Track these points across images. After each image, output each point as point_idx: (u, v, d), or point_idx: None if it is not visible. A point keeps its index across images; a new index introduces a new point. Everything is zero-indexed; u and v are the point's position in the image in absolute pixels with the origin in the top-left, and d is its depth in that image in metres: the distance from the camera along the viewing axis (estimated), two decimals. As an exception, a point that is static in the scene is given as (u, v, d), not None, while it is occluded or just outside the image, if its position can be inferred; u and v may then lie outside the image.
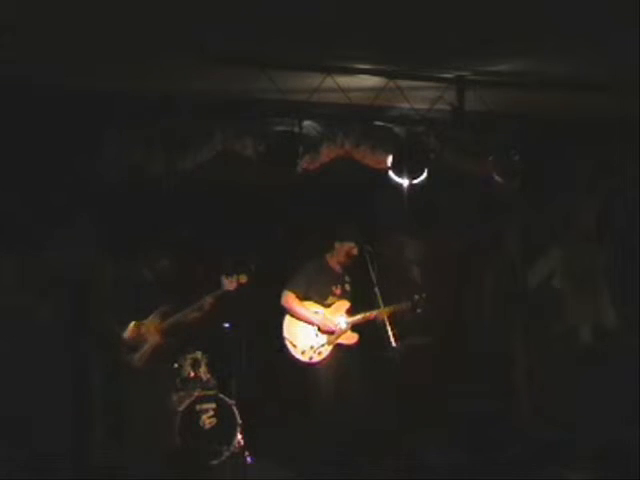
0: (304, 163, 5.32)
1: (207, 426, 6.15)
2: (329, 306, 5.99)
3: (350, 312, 6.01)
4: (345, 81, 4.93)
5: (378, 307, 5.72)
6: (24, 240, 5.24)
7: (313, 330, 5.91)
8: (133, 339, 5.59)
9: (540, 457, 5.75)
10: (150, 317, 5.71)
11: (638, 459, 5.34)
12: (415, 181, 5.41)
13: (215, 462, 6.03)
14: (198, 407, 6.14)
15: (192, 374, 6.35)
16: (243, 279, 5.84)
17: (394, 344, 5.52)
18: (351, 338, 6.00)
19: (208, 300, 5.77)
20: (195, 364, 6.40)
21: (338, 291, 6.04)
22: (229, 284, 5.81)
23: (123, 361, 5.60)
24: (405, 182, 5.41)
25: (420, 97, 5.29)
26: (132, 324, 5.62)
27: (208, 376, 6.43)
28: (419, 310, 6.01)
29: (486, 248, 6.86)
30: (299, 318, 5.92)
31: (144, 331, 5.64)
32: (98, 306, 5.57)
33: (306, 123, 5.37)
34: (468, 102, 5.19)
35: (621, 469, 5.38)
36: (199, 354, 6.43)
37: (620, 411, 5.98)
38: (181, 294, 5.89)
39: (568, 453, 5.77)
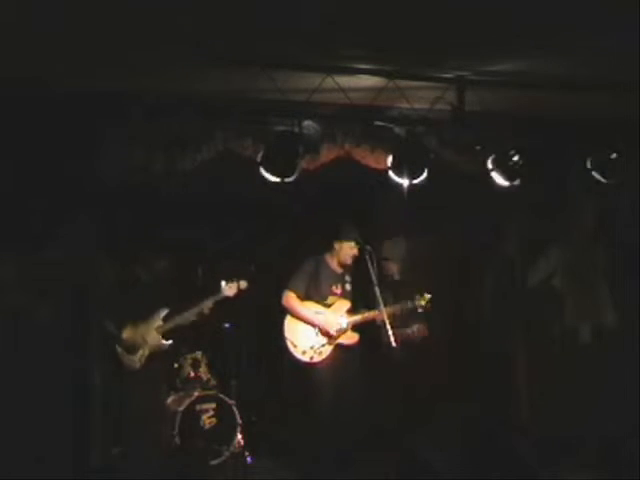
0: (304, 163, 5.31)
1: (207, 426, 6.16)
2: (330, 306, 5.99)
3: (351, 312, 6.01)
4: (345, 81, 4.93)
5: (378, 307, 5.72)
6: (24, 240, 5.24)
7: (314, 330, 5.91)
8: (133, 340, 5.59)
9: (540, 457, 5.75)
10: (150, 319, 5.70)
11: (638, 459, 5.34)
12: (415, 181, 5.41)
13: (215, 462, 6.04)
14: (198, 407, 6.15)
15: (192, 374, 6.36)
16: (243, 285, 5.82)
17: (394, 344, 5.52)
18: (351, 338, 6.00)
19: (207, 305, 5.76)
20: (195, 364, 6.41)
21: (338, 291, 6.05)
22: (229, 290, 5.80)
23: (122, 362, 5.60)
24: (405, 182, 5.40)
25: (420, 97, 5.29)
26: (131, 326, 5.61)
27: (208, 376, 6.44)
28: (420, 310, 6.02)
29: (486, 248, 6.86)
30: (300, 318, 5.92)
31: (144, 333, 5.63)
32: (98, 307, 5.57)
33: (306, 123, 5.36)
34: (468, 102, 5.19)
35: (621, 469, 5.38)
36: (199, 354, 6.44)
37: (620, 411, 5.98)
38: (181, 296, 5.88)
39: (568, 453, 5.77)
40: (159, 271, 5.82)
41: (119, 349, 5.56)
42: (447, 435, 6.10)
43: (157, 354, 5.70)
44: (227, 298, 5.81)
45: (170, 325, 5.74)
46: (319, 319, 5.91)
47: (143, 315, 5.68)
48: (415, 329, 6.24)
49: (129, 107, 4.97)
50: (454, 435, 6.12)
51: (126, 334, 5.56)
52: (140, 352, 5.60)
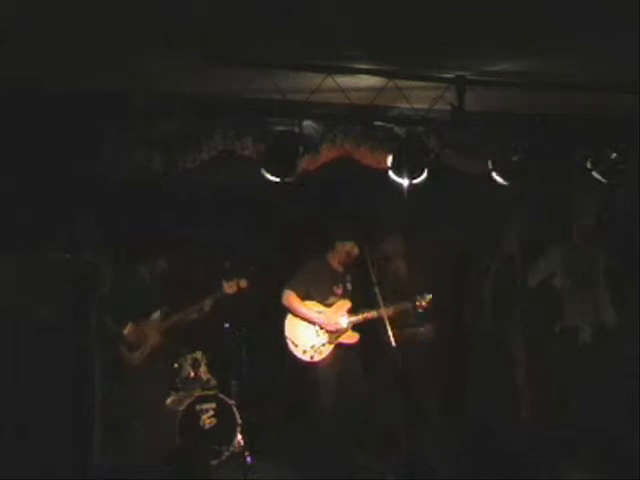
0: (304, 163, 5.32)
1: (207, 426, 6.15)
2: (330, 305, 5.99)
3: (351, 311, 6.01)
4: (345, 81, 4.93)
5: (378, 307, 5.72)
6: (24, 240, 5.24)
7: (314, 329, 5.91)
8: (133, 338, 5.58)
9: (541, 457, 5.75)
10: (151, 317, 5.70)
11: (638, 459, 5.34)
12: (415, 181, 5.41)
13: (215, 462, 6.04)
14: (198, 407, 6.15)
15: (192, 374, 6.36)
16: (243, 284, 5.82)
17: (394, 344, 5.52)
18: (351, 337, 6.00)
19: (207, 302, 5.76)
20: (195, 364, 6.41)
21: (339, 291, 6.05)
22: (229, 288, 5.80)
23: (123, 359, 5.58)
24: (405, 182, 5.40)
25: (420, 97, 5.29)
26: (132, 324, 5.61)
27: (208, 376, 6.44)
28: (420, 310, 6.01)
29: (486, 248, 6.86)
30: (300, 317, 5.91)
31: (144, 331, 5.63)
32: (99, 305, 5.56)
33: (306, 123, 5.37)
34: (468, 102, 5.19)
35: (621, 469, 5.38)
36: (199, 354, 6.43)
37: (620, 411, 5.98)
38: (181, 295, 5.88)
39: (568, 453, 5.77)
40: (160, 270, 5.81)
41: (120, 347, 5.54)
42: (447, 435, 6.11)
43: (158, 352, 5.69)
44: (227, 296, 5.80)
45: (170, 322, 5.73)
46: (319, 317, 5.91)
47: (144, 313, 5.67)
48: (425, 329, 6.23)
49: (129, 107, 4.97)
50: (454, 435, 6.13)
51: (127, 332, 5.55)
52: (141, 350, 5.59)
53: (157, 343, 5.67)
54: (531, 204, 6.48)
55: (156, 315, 5.70)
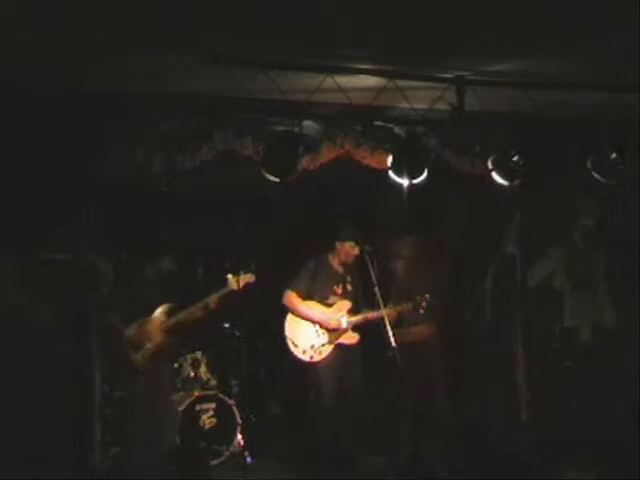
0: (304, 163, 5.32)
1: (207, 426, 6.16)
2: (330, 306, 5.98)
3: (351, 312, 6.01)
4: (345, 81, 4.93)
5: (379, 307, 5.72)
6: (24, 240, 5.24)
7: (314, 329, 5.91)
8: (137, 337, 5.56)
9: (541, 457, 5.75)
10: (154, 315, 5.66)
11: (638, 459, 5.34)
12: (415, 181, 5.41)
13: (215, 462, 6.04)
14: (198, 407, 6.16)
15: (192, 374, 6.36)
16: (250, 278, 5.78)
17: (394, 344, 5.52)
18: (351, 338, 5.99)
19: (213, 299, 5.72)
20: (195, 364, 6.42)
21: (339, 291, 6.04)
22: (235, 283, 5.77)
23: (127, 359, 5.56)
24: (405, 182, 5.41)
25: (420, 97, 5.30)
26: (136, 322, 5.58)
27: (208, 376, 6.45)
28: (421, 311, 6.01)
29: (486, 248, 6.86)
30: (301, 316, 5.91)
31: (148, 329, 5.60)
32: (101, 305, 5.56)
33: (306, 123, 5.37)
34: (468, 102, 5.19)
35: (621, 469, 5.38)
36: (199, 354, 6.44)
37: (620, 411, 5.98)
38: (185, 293, 5.87)
39: (568, 453, 5.77)
40: (163, 268, 5.79)
41: (125, 346, 5.51)
42: (447, 435, 6.11)
43: (161, 351, 5.67)
44: (233, 292, 5.74)
45: (175, 321, 5.69)
46: (320, 316, 5.90)
47: (148, 312, 5.64)
48: (422, 328, 6.23)
49: (129, 107, 4.98)
50: (454, 435, 6.13)
51: (131, 331, 5.53)
52: (145, 349, 5.56)
53: (161, 342, 5.63)
54: (531, 204, 6.47)
55: (161, 313, 5.66)
